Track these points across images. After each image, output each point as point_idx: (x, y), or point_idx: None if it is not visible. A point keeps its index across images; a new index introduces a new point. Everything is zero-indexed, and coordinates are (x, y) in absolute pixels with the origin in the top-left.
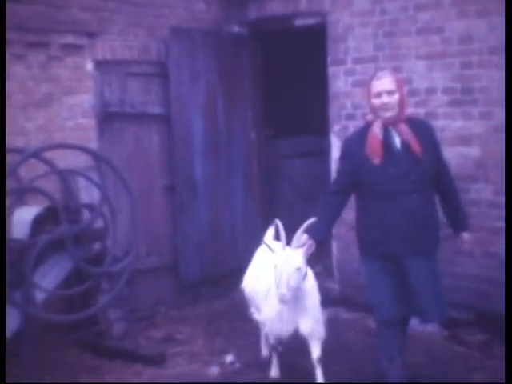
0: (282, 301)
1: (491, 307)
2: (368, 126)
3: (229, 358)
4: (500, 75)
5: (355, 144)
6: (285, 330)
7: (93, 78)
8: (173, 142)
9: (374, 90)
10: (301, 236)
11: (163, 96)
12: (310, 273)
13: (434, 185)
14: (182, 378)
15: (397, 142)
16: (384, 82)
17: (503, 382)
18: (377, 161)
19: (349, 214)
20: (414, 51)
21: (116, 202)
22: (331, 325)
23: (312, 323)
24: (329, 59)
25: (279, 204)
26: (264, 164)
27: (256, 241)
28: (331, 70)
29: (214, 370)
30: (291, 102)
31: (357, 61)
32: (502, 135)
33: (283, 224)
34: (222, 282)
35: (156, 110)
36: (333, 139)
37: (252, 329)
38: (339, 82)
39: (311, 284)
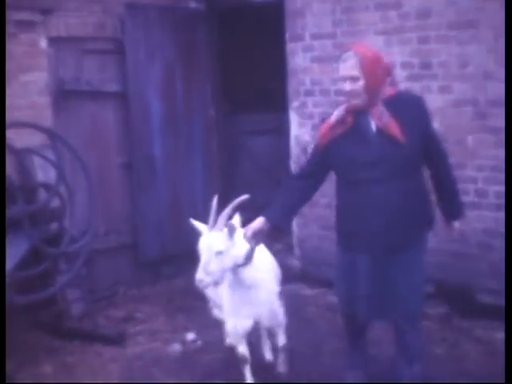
0: (200, 286)
1: (451, 280)
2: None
3: (190, 335)
4: (459, 50)
5: None
6: (243, 324)
7: (47, 55)
8: (131, 120)
9: (339, 72)
10: (226, 216)
11: (120, 73)
12: (267, 264)
13: (429, 166)
14: (143, 356)
15: (372, 125)
16: (347, 67)
17: (466, 356)
18: (321, 142)
19: None
20: (373, 27)
21: (73, 180)
22: (293, 301)
23: (268, 316)
24: (287, 35)
25: (239, 181)
26: (224, 141)
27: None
28: (289, 46)
29: (176, 348)
30: (250, 77)
31: (315, 37)
32: (462, 109)
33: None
34: (182, 260)
35: (112, 87)
36: (292, 115)
37: None
38: (297, 58)
39: (264, 277)
